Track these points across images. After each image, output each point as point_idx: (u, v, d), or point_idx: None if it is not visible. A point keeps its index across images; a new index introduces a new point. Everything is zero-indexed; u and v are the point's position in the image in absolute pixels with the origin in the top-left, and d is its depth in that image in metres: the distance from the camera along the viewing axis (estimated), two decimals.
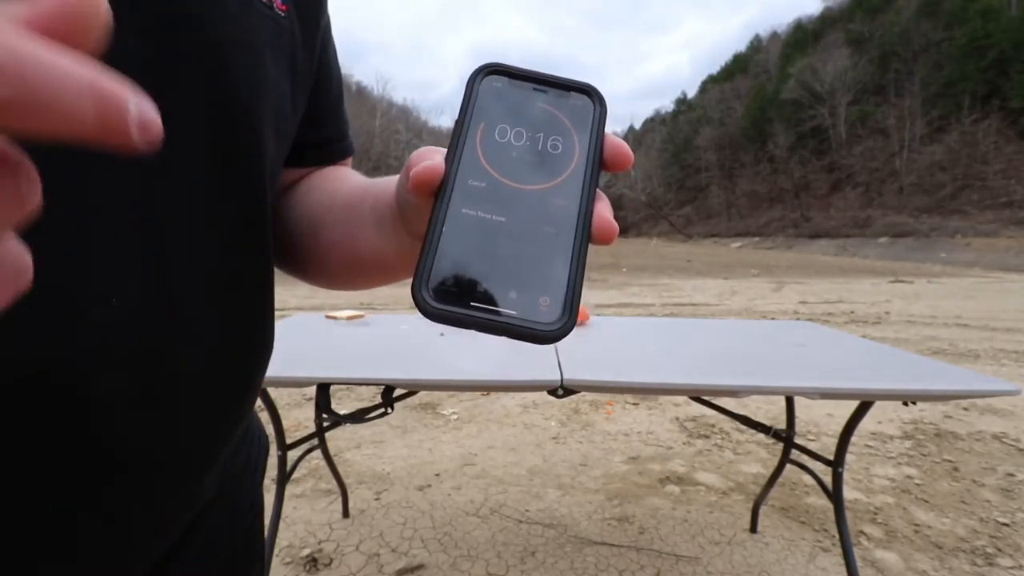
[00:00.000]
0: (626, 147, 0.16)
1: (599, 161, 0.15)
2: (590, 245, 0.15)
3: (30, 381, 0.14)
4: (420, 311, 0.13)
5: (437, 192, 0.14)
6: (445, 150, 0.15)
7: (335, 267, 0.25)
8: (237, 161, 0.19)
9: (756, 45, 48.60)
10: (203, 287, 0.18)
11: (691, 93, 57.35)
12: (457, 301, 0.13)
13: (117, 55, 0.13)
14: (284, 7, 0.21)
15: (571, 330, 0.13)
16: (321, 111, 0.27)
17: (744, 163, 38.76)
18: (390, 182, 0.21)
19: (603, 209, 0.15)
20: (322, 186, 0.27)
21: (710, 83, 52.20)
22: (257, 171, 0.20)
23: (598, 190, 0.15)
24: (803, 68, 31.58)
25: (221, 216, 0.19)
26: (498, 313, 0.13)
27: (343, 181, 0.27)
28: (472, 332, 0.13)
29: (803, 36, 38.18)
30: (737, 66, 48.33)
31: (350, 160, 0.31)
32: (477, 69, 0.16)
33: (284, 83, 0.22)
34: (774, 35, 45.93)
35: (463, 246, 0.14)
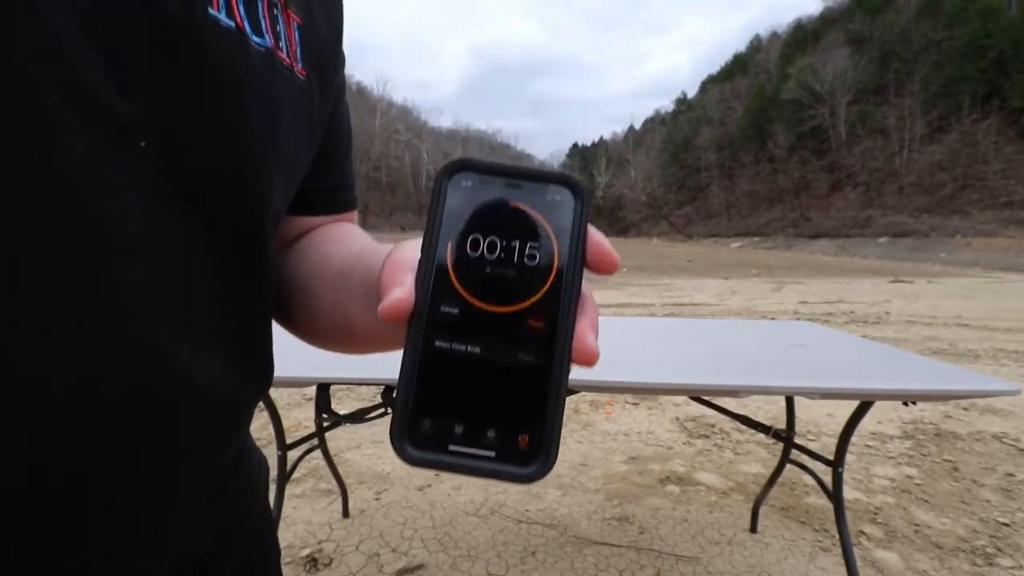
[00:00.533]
0: (611, 250, 0.14)
1: (581, 265, 0.14)
2: (573, 364, 0.13)
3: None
4: (400, 459, 0.13)
5: (410, 321, 0.13)
6: (417, 263, 0.14)
7: (325, 332, 0.25)
8: (242, 216, 0.19)
9: (756, 45, 48.62)
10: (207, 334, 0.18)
11: (691, 93, 57.45)
12: (435, 446, 0.13)
13: (156, 102, 0.15)
14: (304, 72, 0.22)
15: (550, 470, 0.13)
16: (331, 161, 0.28)
17: (744, 163, 38.75)
18: (380, 254, 0.20)
19: (585, 328, 0.13)
20: (321, 246, 0.27)
21: (710, 83, 52.22)
22: (260, 221, 0.20)
23: (583, 296, 0.14)
24: (803, 68, 31.58)
25: (221, 255, 0.18)
26: (476, 457, 0.13)
27: (341, 243, 0.26)
28: None
29: (803, 36, 38.19)
30: (737, 66, 48.35)
31: (355, 215, 0.31)
32: (444, 167, 0.14)
33: (300, 134, 0.22)
34: (774, 35, 45.96)
35: (438, 385, 0.13)
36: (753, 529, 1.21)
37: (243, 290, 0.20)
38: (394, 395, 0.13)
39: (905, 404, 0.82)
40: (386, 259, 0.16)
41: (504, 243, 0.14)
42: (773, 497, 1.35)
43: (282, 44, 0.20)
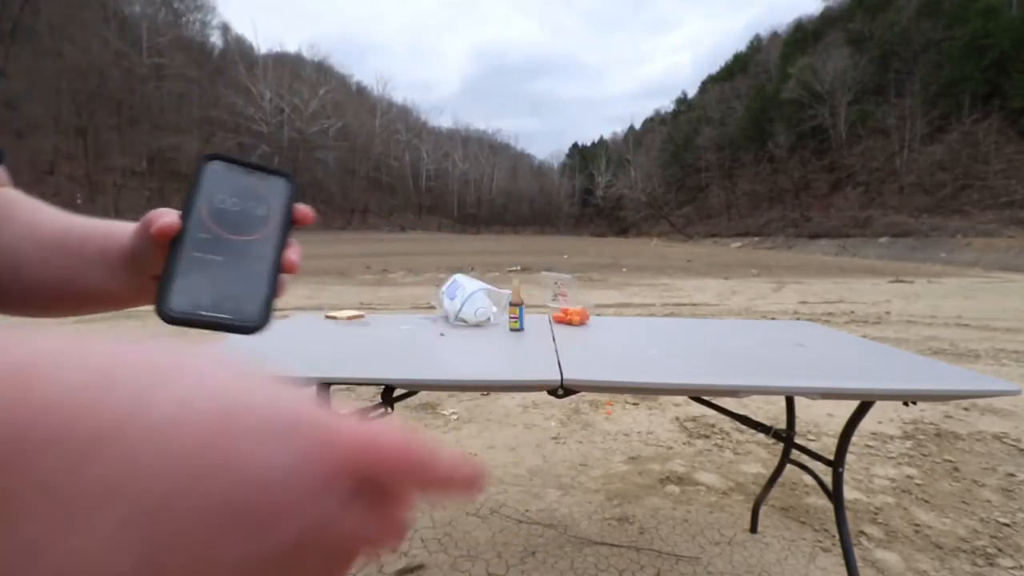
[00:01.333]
0: (308, 210, 0.23)
1: (290, 220, 0.23)
2: (282, 274, 0.22)
3: None
4: (161, 318, 0.20)
5: (173, 240, 0.20)
6: (179, 212, 0.21)
7: (41, 302, 0.26)
8: None
9: (756, 45, 48.59)
10: None
11: (692, 93, 57.40)
12: (190, 310, 0.20)
13: None
14: None
15: (266, 325, 0.21)
16: None
17: (744, 163, 38.70)
18: (112, 233, 0.25)
19: (292, 252, 0.22)
20: (14, 221, 0.25)
21: (710, 83, 52.18)
22: None
23: (291, 240, 0.23)
24: (803, 68, 31.53)
25: None
26: (217, 318, 0.20)
27: (37, 216, 0.26)
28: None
29: (803, 36, 38.14)
30: (737, 66, 48.30)
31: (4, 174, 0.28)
32: (203, 156, 0.22)
33: None
34: (774, 35, 45.93)
35: (193, 275, 0.20)
36: (753, 529, 1.21)
37: None
38: (160, 279, 0.20)
39: (905, 404, 0.82)
40: (145, 217, 0.22)
41: (241, 202, 0.22)
42: (773, 497, 1.35)
43: None
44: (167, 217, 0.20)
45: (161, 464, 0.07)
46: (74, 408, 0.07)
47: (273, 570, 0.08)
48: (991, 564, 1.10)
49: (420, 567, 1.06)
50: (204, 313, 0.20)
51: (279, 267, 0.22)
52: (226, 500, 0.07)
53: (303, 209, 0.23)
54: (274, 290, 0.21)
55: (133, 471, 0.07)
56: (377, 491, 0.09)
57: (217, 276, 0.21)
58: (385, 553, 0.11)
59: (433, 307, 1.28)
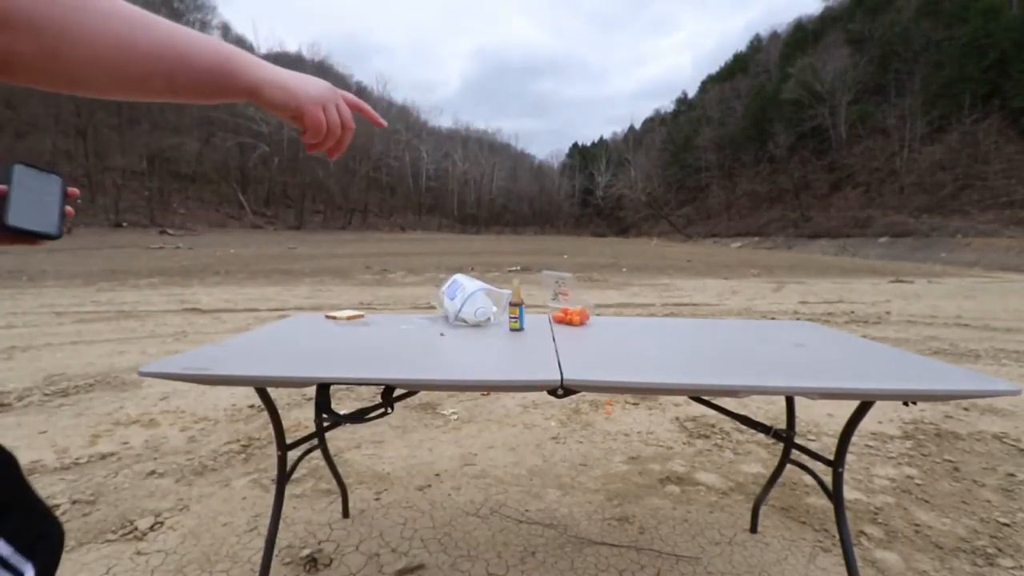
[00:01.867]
0: (75, 191, 0.42)
1: (65, 189, 0.41)
2: (67, 207, 0.41)
3: None
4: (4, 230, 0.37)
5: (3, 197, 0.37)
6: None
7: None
8: None
9: (756, 45, 48.54)
10: None
11: (692, 93, 57.36)
12: (23, 227, 0.38)
13: None
14: None
15: (61, 235, 0.39)
16: None
17: (744, 163, 38.66)
18: None
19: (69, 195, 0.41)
20: None
21: (710, 83, 52.13)
22: None
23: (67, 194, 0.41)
24: (803, 68, 31.50)
25: None
26: (34, 230, 0.38)
27: None
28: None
29: (803, 36, 38.10)
30: (737, 66, 48.26)
31: None
32: (16, 161, 0.37)
33: None
34: (774, 35, 45.89)
35: (21, 211, 0.37)
36: (753, 529, 1.21)
37: None
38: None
39: (905, 404, 0.82)
40: None
41: (40, 181, 0.39)
42: (773, 497, 1.35)
43: None
44: None
45: (301, 87, 0.42)
46: (285, 80, 0.41)
47: (326, 102, 0.43)
48: (991, 564, 1.10)
49: (420, 567, 1.06)
50: (29, 228, 0.38)
51: (64, 207, 0.40)
52: (319, 87, 0.43)
53: (72, 190, 0.42)
54: (59, 219, 0.40)
55: (297, 87, 0.41)
56: (345, 104, 0.46)
57: (33, 212, 0.38)
58: (338, 132, 0.46)
59: (433, 307, 1.29)
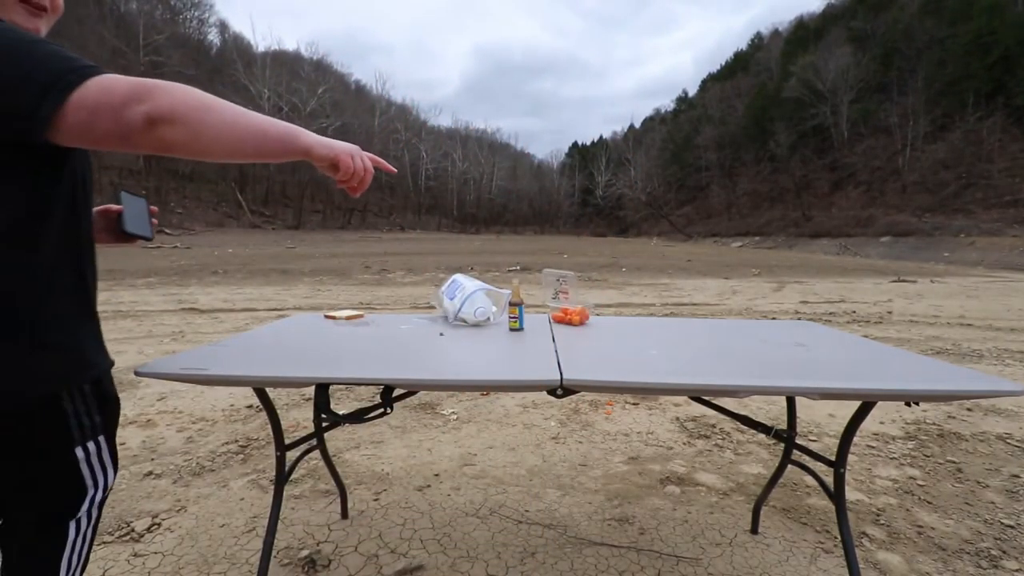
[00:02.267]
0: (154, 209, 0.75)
1: (148, 207, 0.72)
2: (153, 220, 0.72)
3: None
4: (123, 232, 0.65)
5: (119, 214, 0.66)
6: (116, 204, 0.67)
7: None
8: None
9: (757, 43, 48.36)
10: None
11: (693, 92, 57.17)
12: (133, 232, 0.65)
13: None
14: None
15: (153, 236, 0.69)
16: None
17: (745, 162, 38.54)
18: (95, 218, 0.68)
19: (152, 214, 0.74)
20: None
21: (711, 81, 51.95)
22: None
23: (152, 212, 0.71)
24: (805, 66, 31.36)
25: None
26: (138, 234, 0.66)
27: None
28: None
29: (805, 34, 37.94)
30: (738, 64, 48.09)
31: None
32: (118, 190, 0.65)
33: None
34: (775, 33, 45.70)
35: (129, 222, 0.65)
36: (754, 530, 1.20)
37: None
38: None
39: (907, 404, 0.81)
40: (99, 208, 0.66)
41: (137, 202, 0.68)
42: (774, 498, 1.34)
43: None
44: (113, 208, 0.65)
45: (337, 144, 0.60)
46: (327, 142, 0.59)
47: (354, 154, 0.61)
48: (995, 566, 1.09)
49: (419, 568, 1.05)
50: (139, 233, 0.63)
51: (150, 219, 0.68)
52: (348, 145, 0.61)
53: (153, 208, 0.70)
54: (151, 227, 0.68)
55: (335, 145, 0.59)
56: (367, 157, 0.64)
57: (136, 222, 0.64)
58: (360, 181, 0.64)
59: (432, 307, 1.28)
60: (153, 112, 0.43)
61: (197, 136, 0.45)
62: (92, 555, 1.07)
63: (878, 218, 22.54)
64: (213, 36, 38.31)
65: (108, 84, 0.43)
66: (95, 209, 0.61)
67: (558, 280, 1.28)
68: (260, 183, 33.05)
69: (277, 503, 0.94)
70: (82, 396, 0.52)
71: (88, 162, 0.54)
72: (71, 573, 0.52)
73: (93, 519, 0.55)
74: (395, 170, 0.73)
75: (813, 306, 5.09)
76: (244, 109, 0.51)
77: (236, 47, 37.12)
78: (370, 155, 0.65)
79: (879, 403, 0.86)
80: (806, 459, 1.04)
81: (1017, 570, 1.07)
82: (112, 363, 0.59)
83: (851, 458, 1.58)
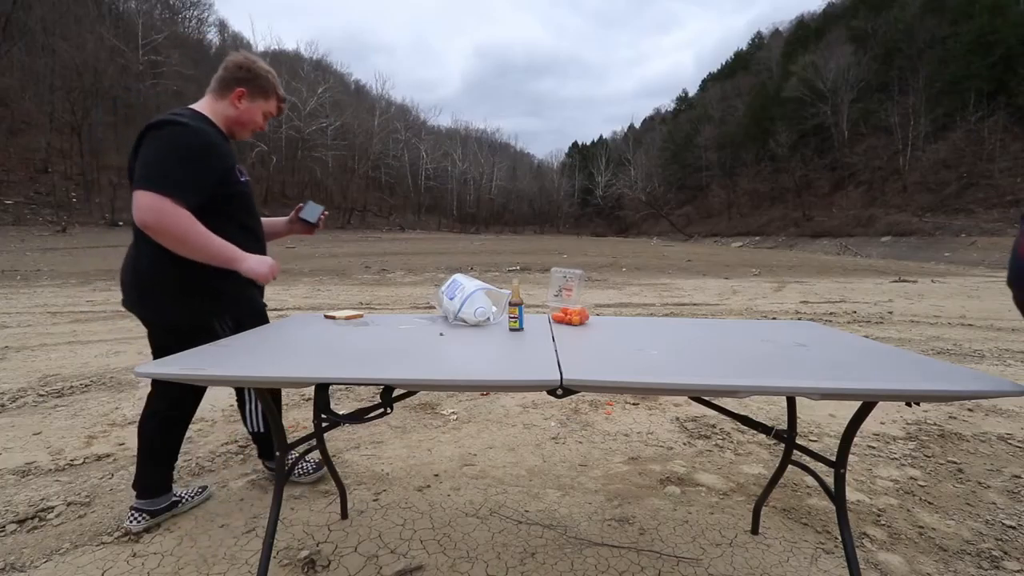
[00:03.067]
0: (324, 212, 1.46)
1: (320, 209, 1.42)
2: (321, 216, 1.43)
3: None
4: (310, 225, 1.39)
5: (300, 211, 1.42)
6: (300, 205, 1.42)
7: (269, 239, 1.38)
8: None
9: (758, 42, 48.26)
10: None
11: (693, 91, 57.03)
12: (312, 221, 1.40)
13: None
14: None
15: (320, 226, 1.42)
16: None
17: (745, 162, 38.47)
18: (275, 220, 1.41)
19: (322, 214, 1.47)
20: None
21: (711, 81, 51.85)
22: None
23: (321, 212, 1.43)
24: (805, 65, 31.30)
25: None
26: (313, 223, 1.41)
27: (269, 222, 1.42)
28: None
29: (805, 33, 37.86)
30: (739, 63, 47.99)
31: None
32: (306, 199, 1.46)
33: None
34: (776, 32, 45.61)
35: (307, 217, 1.41)
36: (754, 531, 1.20)
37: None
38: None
39: (908, 405, 0.81)
40: (294, 212, 1.43)
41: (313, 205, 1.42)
42: (774, 498, 1.34)
43: None
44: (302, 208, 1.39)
45: (252, 260, 1.09)
46: (238, 256, 1.08)
47: (271, 266, 1.16)
48: (996, 567, 1.08)
49: (419, 568, 1.05)
50: (312, 221, 1.37)
51: (321, 216, 1.38)
52: (260, 260, 1.12)
53: (325, 212, 1.41)
54: (320, 221, 1.38)
55: (249, 260, 1.08)
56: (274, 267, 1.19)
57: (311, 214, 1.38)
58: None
59: (432, 307, 1.28)
60: (151, 227, 1.00)
61: (175, 245, 1.01)
62: (91, 556, 1.08)
63: (879, 218, 22.50)
64: (212, 35, 38.33)
65: (138, 198, 1.00)
66: (297, 208, 1.37)
67: (564, 277, 1.29)
68: (260, 183, 32.95)
69: (277, 503, 0.94)
70: (226, 324, 1.11)
71: (229, 197, 1.13)
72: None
73: None
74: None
75: (813, 306, 5.08)
76: (209, 237, 1.02)
77: (235, 46, 37.11)
78: (276, 267, 1.15)
79: (880, 403, 0.86)
80: (806, 459, 1.03)
81: (1018, 571, 1.07)
82: (254, 305, 1.19)
83: (852, 458, 1.58)
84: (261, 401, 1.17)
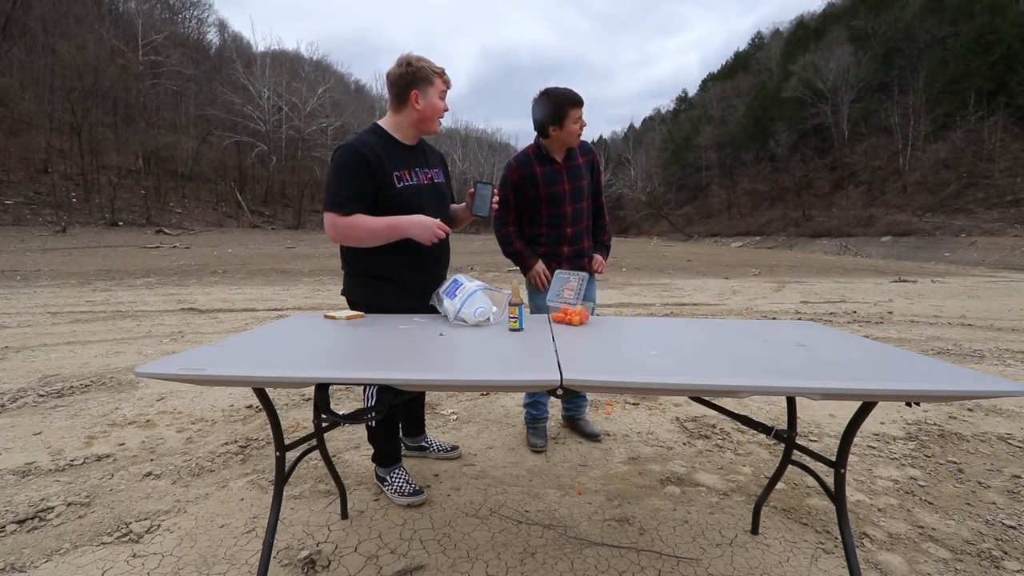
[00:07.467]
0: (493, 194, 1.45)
1: (492, 192, 1.38)
2: (494, 203, 1.39)
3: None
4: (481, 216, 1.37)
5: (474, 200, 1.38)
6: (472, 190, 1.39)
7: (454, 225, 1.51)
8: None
9: (758, 42, 48.24)
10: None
11: (695, 92, 56.93)
12: (483, 215, 1.37)
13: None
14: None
15: (491, 215, 1.40)
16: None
17: (745, 162, 38.48)
18: (457, 207, 1.49)
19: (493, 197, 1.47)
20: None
21: (711, 81, 51.84)
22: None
23: (495, 193, 1.41)
24: (805, 65, 31.31)
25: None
26: (482, 215, 1.38)
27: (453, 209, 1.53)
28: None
29: (805, 33, 37.87)
30: (739, 64, 47.99)
31: None
32: (478, 181, 1.36)
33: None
34: (776, 32, 45.60)
35: (477, 206, 1.38)
36: (754, 530, 1.20)
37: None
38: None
39: (908, 405, 0.80)
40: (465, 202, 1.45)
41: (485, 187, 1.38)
42: (775, 498, 1.34)
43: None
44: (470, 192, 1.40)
45: (414, 228, 1.23)
46: (403, 226, 1.24)
47: (434, 225, 1.25)
48: (997, 567, 1.08)
49: (419, 568, 1.05)
50: (482, 215, 1.34)
51: (492, 200, 1.34)
52: (421, 228, 1.23)
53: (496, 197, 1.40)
54: (490, 208, 1.34)
55: (411, 228, 1.23)
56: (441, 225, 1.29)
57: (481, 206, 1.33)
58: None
59: (433, 307, 1.28)
60: (334, 240, 1.25)
61: (346, 240, 1.24)
62: (91, 556, 1.08)
63: (879, 218, 22.50)
64: (212, 36, 38.31)
65: (328, 218, 1.22)
66: (469, 193, 1.35)
67: (568, 277, 1.30)
68: (260, 183, 33.02)
69: (277, 503, 0.94)
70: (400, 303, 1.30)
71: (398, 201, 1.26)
72: None
73: None
74: (447, 232, 1.29)
75: (813, 306, 5.08)
76: (372, 221, 1.21)
77: (236, 46, 37.06)
78: (443, 224, 1.24)
79: (880, 403, 0.86)
80: (806, 459, 1.03)
81: (1018, 571, 1.07)
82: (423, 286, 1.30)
83: (852, 458, 1.58)
84: (260, 401, 1.17)
